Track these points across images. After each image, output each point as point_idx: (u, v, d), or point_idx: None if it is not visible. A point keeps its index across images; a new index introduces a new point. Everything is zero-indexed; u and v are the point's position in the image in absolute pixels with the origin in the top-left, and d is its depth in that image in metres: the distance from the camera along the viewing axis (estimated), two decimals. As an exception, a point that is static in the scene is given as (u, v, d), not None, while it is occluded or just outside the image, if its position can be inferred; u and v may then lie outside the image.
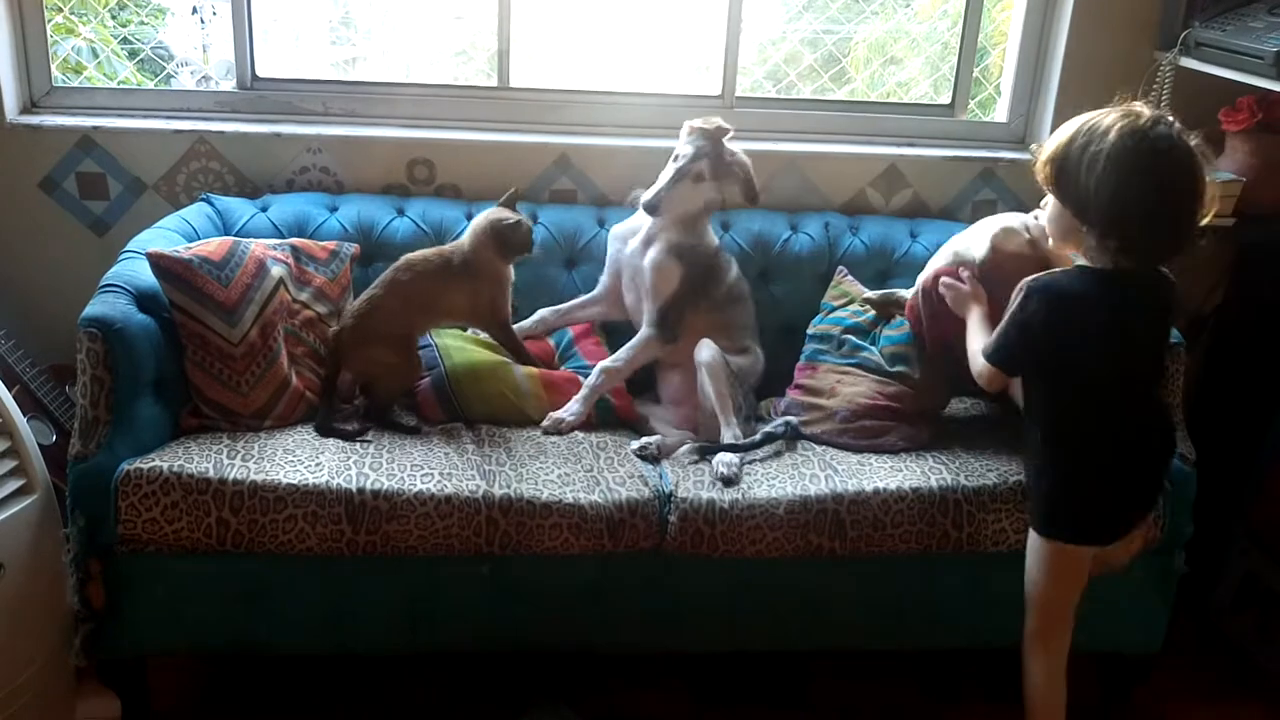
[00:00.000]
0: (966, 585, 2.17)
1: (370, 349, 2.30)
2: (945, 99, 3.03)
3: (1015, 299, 1.88)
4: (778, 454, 2.28)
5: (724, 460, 2.19)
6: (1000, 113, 3.00)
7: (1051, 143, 1.86)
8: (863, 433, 2.32)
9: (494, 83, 2.88)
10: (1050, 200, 1.94)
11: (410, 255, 2.37)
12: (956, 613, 2.19)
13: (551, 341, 2.56)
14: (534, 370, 2.42)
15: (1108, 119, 1.78)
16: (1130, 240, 1.78)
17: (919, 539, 2.10)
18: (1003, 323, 1.92)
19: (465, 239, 2.37)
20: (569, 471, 2.14)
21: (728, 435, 2.28)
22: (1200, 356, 2.84)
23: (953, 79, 3.00)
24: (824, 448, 2.30)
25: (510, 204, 2.39)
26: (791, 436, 2.33)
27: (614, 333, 2.57)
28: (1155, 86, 2.70)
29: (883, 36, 3.28)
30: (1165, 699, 2.46)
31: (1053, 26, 2.85)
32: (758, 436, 2.29)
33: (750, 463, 2.23)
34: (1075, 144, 1.80)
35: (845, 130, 2.94)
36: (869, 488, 2.12)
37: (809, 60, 3.15)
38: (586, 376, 2.38)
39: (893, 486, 2.12)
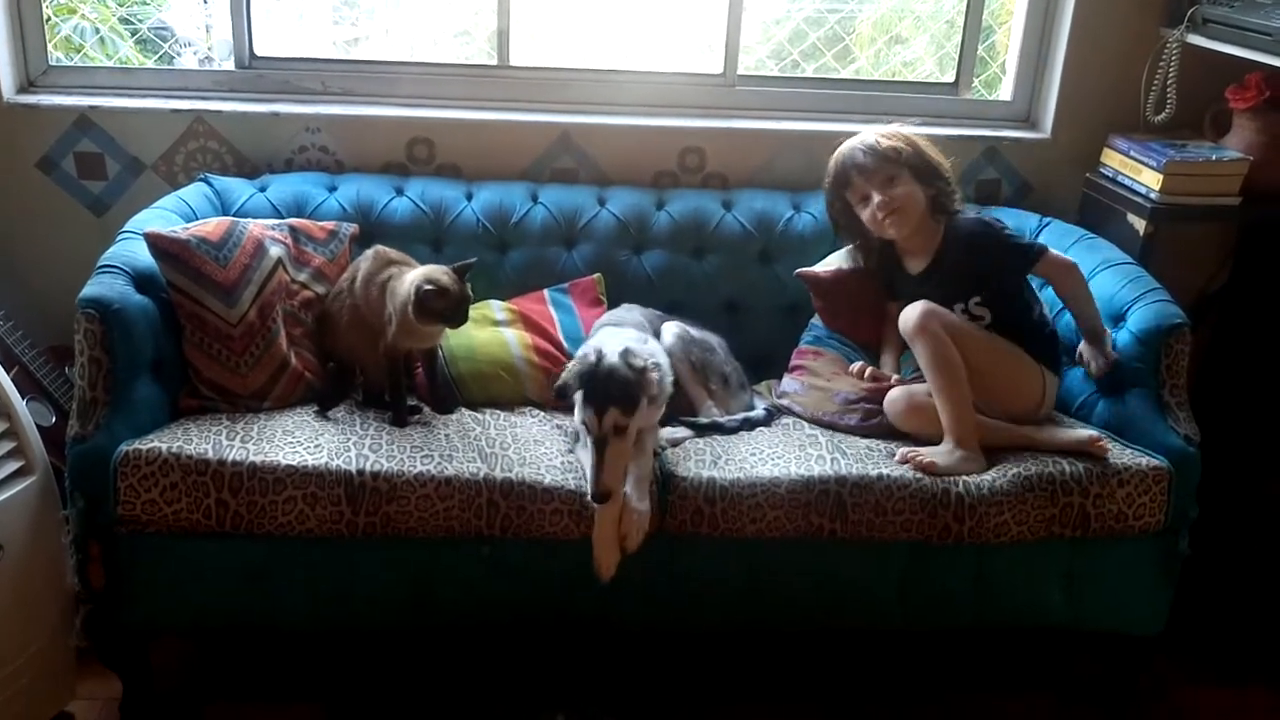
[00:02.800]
0: (968, 572, 2.15)
1: (349, 335, 2.32)
2: (950, 77, 3.00)
3: (994, 227, 2.36)
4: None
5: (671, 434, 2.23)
6: (1005, 91, 2.98)
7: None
8: (867, 415, 2.31)
9: (494, 61, 2.86)
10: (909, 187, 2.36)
11: (389, 257, 2.33)
12: (958, 597, 2.18)
13: (553, 312, 2.54)
14: (532, 356, 2.41)
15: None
16: None
17: (919, 529, 2.09)
18: (1013, 243, 2.35)
19: (406, 282, 2.20)
20: (571, 459, 2.13)
21: (706, 415, 2.31)
22: (1205, 336, 2.82)
23: (957, 57, 2.97)
24: (833, 432, 2.29)
25: (462, 271, 2.22)
26: (766, 423, 2.34)
27: (615, 300, 2.57)
28: (1161, 64, 2.68)
29: (887, 14, 3.25)
30: (1169, 682, 2.46)
31: (1058, 3, 2.81)
32: (738, 419, 2.31)
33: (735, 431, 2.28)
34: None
35: (849, 109, 2.91)
36: (873, 472, 2.11)
37: (813, 38, 3.13)
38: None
39: (896, 474, 2.11)
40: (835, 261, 2.57)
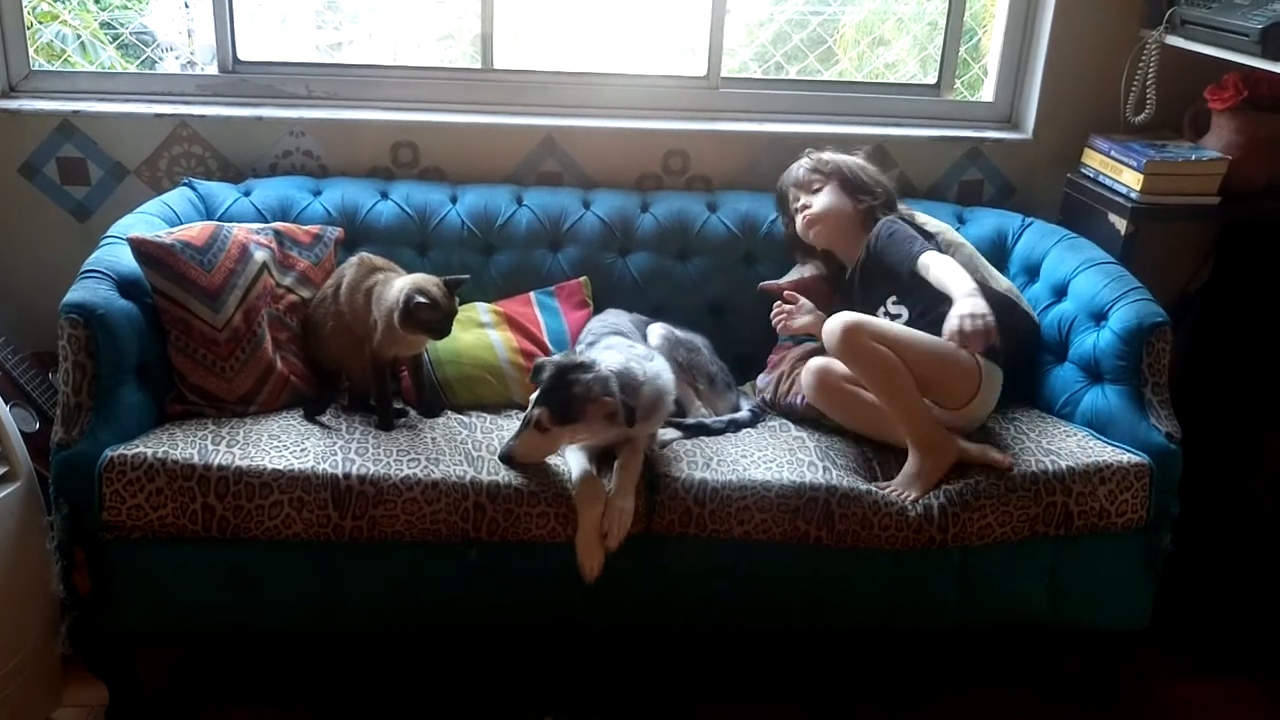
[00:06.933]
0: (953, 574, 2.16)
1: (333, 341, 2.32)
2: (932, 79, 3.02)
3: (894, 225, 2.37)
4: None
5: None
6: (987, 92, 3.00)
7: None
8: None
9: (478, 65, 2.86)
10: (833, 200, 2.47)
11: (373, 264, 2.34)
12: (943, 598, 2.19)
13: (539, 315, 2.55)
14: (518, 359, 2.41)
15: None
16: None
17: (904, 542, 2.10)
18: (909, 242, 2.34)
19: (393, 288, 2.20)
20: (558, 461, 2.14)
21: (694, 415, 2.34)
22: (1186, 335, 2.84)
23: (939, 59, 2.98)
24: (830, 437, 2.28)
25: (453, 285, 2.22)
26: (752, 424, 2.35)
27: (600, 302, 2.58)
28: (1141, 65, 2.70)
29: (870, 17, 3.27)
30: (1154, 675, 2.48)
31: (1039, 5, 2.83)
32: (724, 420, 2.33)
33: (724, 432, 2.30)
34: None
35: (832, 111, 2.93)
36: (863, 486, 2.12)
37: (796, 41, 3.14)
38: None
39: (885, 490, 2.12)
40: (797, 272, 2.61)
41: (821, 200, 2.47)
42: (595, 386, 2.05)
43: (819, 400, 2.26)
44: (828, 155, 2.53)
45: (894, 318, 2.35)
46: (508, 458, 2.08)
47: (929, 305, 2.28)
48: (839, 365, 2.21)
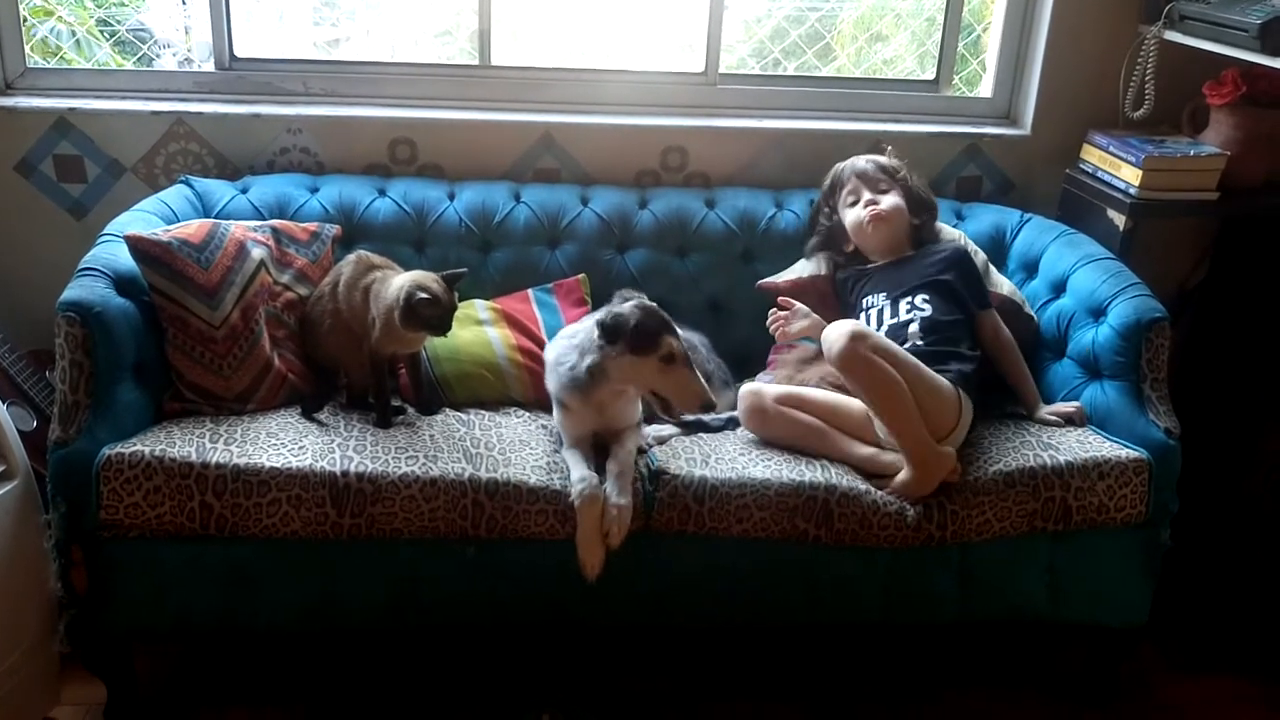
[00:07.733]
0: (951, 570, 2.16)
1: (330, 339, 2.31)
2: (930, 74, 3.01)
3: (964, 258, 2.42)
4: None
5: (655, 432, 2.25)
6: (985, 88, 2.99)
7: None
8: None
9: (476, 61, 2.86)
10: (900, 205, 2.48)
11: (371, 261, 2.33)
12: (941, 594, 2.19)
13: (538, 312, 2.54)
14: (516, 356, 2.41)
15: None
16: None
17: (903, 541, 2.10)
18: (979, 277, 2.42)
19: (392, 286, 2.19)
20: (557, 460, 2.13)
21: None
22: (1184, 330, 2.84)
23: (938, 54, 2.98)
24: None
25: (452, 280, 2.21)
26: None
27: (599, 299, 2.55)
28: (1139, 60, 2.69)
29: (868, 12, 3.27)
30: (1152, 675, 2.48)
31: (1037, 1, 2.83)
32: (722, 417, 2.32)
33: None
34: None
35: (830, 107, 2.93)
36: (862, 486, 2.12)
37: (794, 36, 3.14)
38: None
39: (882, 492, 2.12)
40: (796, 271, 2.60)
41: (892, 201, 2.47)
42: (635, 303, 2.12)
43: (752, 426, 2.24)
44: (897, 162, 2.54)
45: (919, 310, 2.32)
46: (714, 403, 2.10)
47: (947, 314, 2.31)
48: (769, 388, 2.24)
